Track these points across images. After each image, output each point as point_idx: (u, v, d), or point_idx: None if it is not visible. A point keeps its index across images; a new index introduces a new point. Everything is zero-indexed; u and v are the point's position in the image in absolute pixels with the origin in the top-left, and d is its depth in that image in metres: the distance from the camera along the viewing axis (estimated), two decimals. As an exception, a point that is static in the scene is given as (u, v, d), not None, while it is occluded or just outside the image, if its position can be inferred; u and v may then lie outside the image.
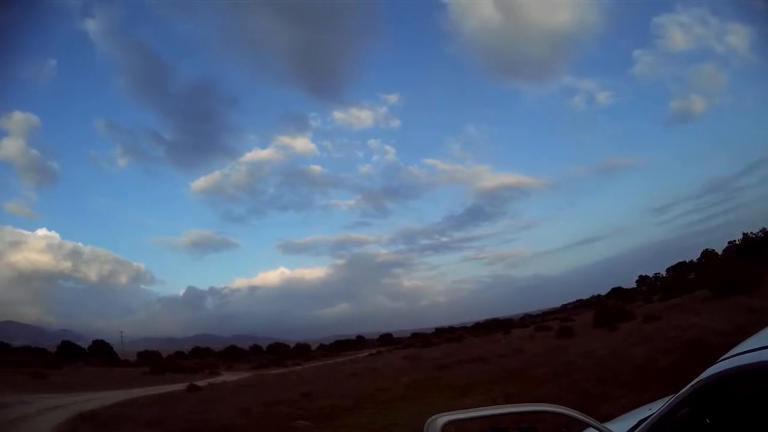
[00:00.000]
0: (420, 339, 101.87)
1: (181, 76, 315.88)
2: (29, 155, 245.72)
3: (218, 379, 52.04)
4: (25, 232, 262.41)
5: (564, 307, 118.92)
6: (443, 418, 2.84)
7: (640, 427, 3.41)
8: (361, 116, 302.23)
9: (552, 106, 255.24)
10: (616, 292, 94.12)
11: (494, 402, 12.66)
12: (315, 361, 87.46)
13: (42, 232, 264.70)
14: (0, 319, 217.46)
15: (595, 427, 3.23)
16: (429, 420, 2.84)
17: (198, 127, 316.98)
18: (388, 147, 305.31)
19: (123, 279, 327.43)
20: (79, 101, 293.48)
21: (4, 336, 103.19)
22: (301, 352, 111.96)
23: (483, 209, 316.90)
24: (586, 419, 3.19)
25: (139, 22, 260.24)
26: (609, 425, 3.44)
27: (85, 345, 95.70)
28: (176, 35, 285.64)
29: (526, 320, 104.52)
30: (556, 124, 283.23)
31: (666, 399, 3.52)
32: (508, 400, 13.27)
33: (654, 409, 3.60)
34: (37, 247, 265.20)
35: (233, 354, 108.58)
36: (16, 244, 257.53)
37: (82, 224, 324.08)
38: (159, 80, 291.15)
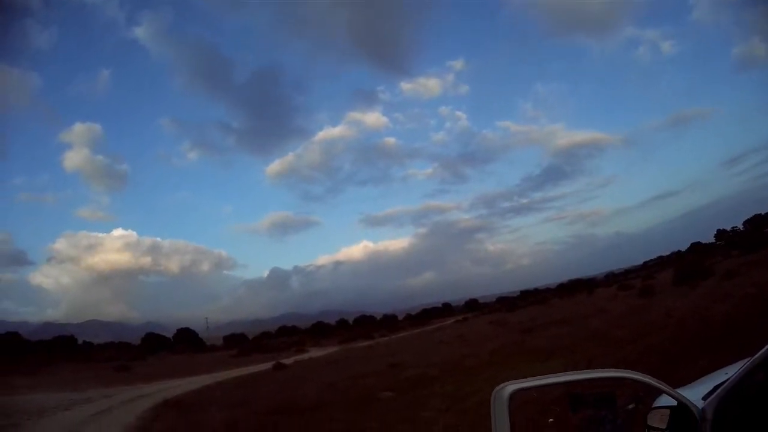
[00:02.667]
0: (505, 303, 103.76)
1: (243, 67, 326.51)
2: (95, 162, 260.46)
3: (305, 356, 53.37)
4: (100, 234, 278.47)
5: (645, 265, 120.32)
6: (511, 387, 2.73)
7: (715, 394, 3.21)
8: (429, 85, 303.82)
9: (617, 58, 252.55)
10: (695, 247, 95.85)
11: (575, 366, 12.53)
12: (402, 331, 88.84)
13: (118, 232, 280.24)
14: (83, 320, 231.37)
15: (667, 393, 3.16)
16: (496, 389, 2.74)
17: (266, 113, 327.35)
18: (459, 113, 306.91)
19: (205, 267, 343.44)
20: (141, 104, 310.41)
21: (88, 335, 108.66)
22: (389, 323, 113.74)
23: (560, 168, 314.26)
24: (658, 385, 3.10)
25: (189, 22, 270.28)
26: (685, 390, 3.43)
27: (169, 336, 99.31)
28: (231, 29, 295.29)
29: (609, 279, 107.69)
30: (623, 78, 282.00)
31: (741, 363, 3.35)
32: (590, 363, 13.13)
33: (730, 373, 3.36)
34: (114, 247, 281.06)
35: (320, 330, 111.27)
36: (92, 247, 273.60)
37: (158, 220, 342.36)
38: (220, 73, 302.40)
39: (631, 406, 3.27)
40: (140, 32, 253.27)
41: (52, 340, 79.77)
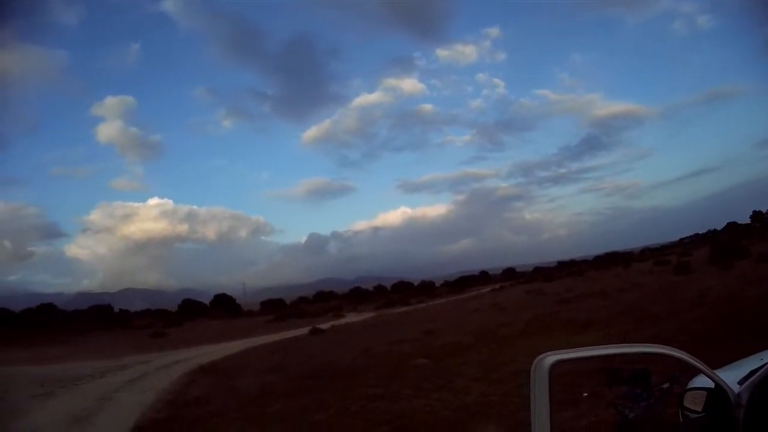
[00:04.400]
0: (542, 273, 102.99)
1: (277, 35, 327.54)
2: (128, 134, 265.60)
3: (342, 322, 53.94)
4: (136, 204, 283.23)
5: (681, 241, 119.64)
6: (552, 358, 2.79)
7: (752, 379, 3.25)
8: (466, 51, 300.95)
9: (653, 31, 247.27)
10: (731, 227, 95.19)
11: (610, 340, 12.52)
12: (439, 298, 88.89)
13: (154, 201, 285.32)
14: (118, 289, 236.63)
15: (706, 374, 3.17)
16: (537, 359, 2.79)
17: (301, 79, 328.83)
18: (496, 80, 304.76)
19: (242, 233, 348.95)
20: (174, 75, 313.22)
21: (124, 304, 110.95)
22: (426, 289, 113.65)
23: (598, 139, 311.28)
24: (697, 364, 3.11)
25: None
26: (720, 372, 3.38)
27: (206, 302, 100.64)
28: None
29: (646, 254, 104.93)
30: (659, 51, 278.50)
31: None
32: (625, 338, 12.86)
33: (765, 359, 3.47)
34: (150, 216, 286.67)
35: (357, 295, 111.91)
36: (127, 217, 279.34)
37: (194, 188, 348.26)
38: (253, 42, 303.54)
39: (665, 385, 3.30)
40: (169, 5, 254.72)
41: (87, 310, 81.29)
